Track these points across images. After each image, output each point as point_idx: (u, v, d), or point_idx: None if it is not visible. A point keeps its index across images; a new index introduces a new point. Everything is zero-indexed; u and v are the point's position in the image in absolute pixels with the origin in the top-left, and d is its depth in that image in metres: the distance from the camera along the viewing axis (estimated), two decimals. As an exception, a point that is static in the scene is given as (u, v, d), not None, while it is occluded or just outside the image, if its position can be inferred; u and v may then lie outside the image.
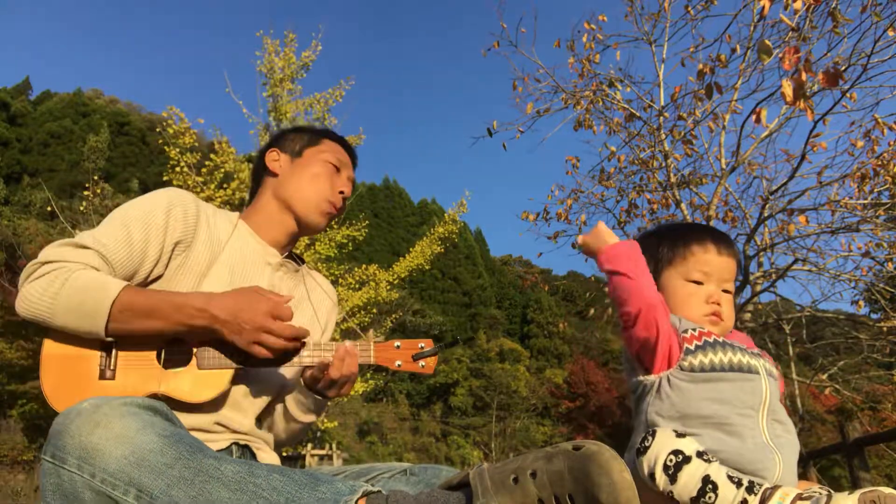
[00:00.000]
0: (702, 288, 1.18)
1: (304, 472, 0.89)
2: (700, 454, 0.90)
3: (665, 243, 1.23)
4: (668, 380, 1.06)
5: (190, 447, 0.90)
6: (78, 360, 1.21)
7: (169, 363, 1.24)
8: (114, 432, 0.88)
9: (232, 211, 1.55)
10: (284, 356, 1.27)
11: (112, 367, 1.21)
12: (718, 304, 1.16)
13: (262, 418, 1.46)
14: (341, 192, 1.54)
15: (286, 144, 1.58)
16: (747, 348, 1.14)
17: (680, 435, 0.94)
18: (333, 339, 1.43)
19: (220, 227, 1.43)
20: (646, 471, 0.92)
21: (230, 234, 1.43)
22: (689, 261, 1.19)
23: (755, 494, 0.85)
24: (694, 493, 0.88)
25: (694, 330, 1.11)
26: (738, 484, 0.88)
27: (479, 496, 0.80)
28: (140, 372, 1.22)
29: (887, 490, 0.87)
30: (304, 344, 1.29)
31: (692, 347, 1.07)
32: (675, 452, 0.90)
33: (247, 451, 1.32)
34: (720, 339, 1.10)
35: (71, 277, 1.17)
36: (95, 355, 1.22)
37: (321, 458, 16.10)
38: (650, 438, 0.93)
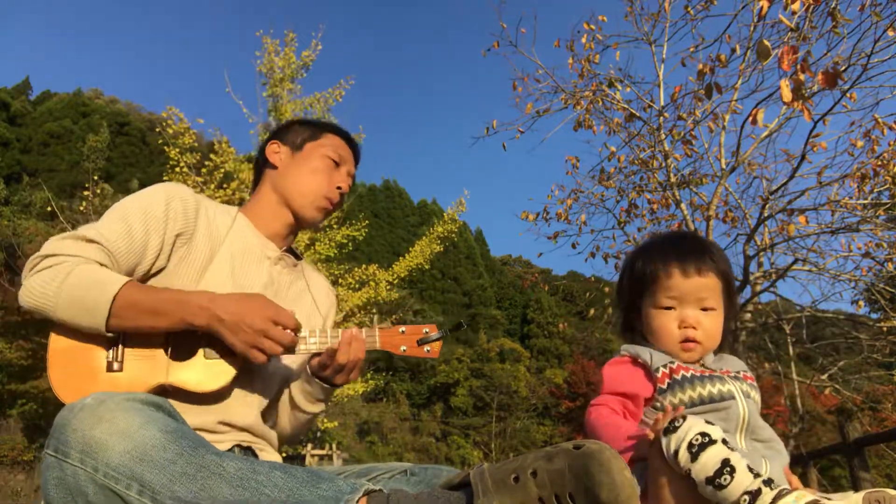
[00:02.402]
0: (673, 313, 1.17)
1: (306, 470, 0.89)
2: (725, 441, 0.92)
3: (635, 272, 1.23)
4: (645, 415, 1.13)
5: (192, 443, 0.90)
6: (85, 352, 1.21)
7: (176, 354, 1.25)
8: (117, 427, 0.89)
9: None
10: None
11: (119, 359, 1.22)
12: (693, 327, 1.15)
13: (267, 412, 1.45)
14: (339, 188, 1.53)
15: (288, 137, 1.57)
16: (723, 374, 1.14)
17: (709, 422, 0.96)
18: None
19: (220, 220, 1.43)
20: (672, 448, 0.94)
21: (229, 228, 1.43)
22: (657, 287, 1.18)
23: (771, 489, 0.86)
24: (711, 473, 0.89)
25: (665, 366, 1.12)
26: (757, 475, 0.90)
27: (480, 495, 0.81)
28: (147, 363, 1.23)
29: (893, 492, 0.88)
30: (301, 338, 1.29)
31: (664, 387, 1.10)
32: (703, 434, 0.92)
33: (249, 454, 1.32)
34: (688, 375, 1.10)
35: (74, 272, 1.17)
36: (102, 347, 1.22)
37: (321, 458, 16.10)
38: (681, 420, 0.96)
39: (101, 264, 1.23)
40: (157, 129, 10.16)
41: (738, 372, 1.18)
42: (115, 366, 1.21)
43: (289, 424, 1.49)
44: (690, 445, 0.92)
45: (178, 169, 9.31)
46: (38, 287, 1.17)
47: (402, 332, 1.36)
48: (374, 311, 11.24)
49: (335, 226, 10.71)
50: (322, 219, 1.54)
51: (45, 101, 50.76)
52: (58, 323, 1.20)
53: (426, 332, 1.35)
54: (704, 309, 1.17)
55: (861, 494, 0.89)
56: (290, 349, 1.25)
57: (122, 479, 0.87)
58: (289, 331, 1.22)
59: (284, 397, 1.48)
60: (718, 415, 1.08)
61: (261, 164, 1.58)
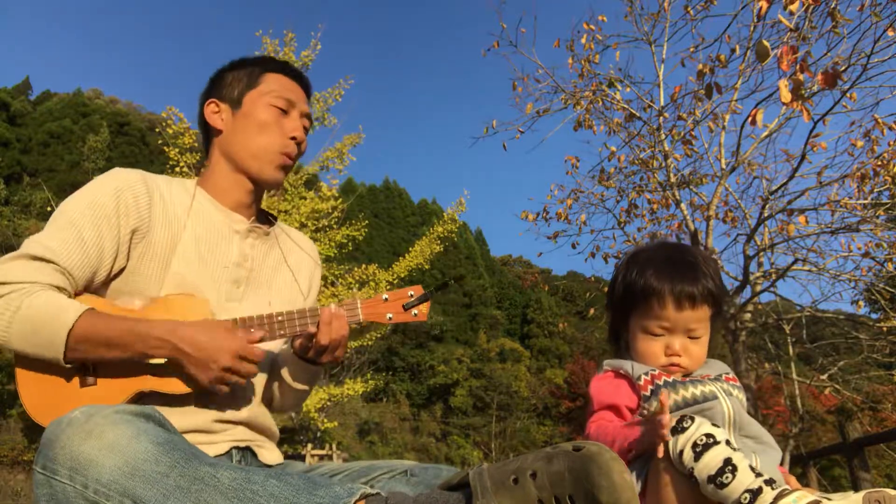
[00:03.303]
0: (661, 339, 1.17)
1: (302, 477, 0.88)
2: (729, 443, 0.93)
3: (628, 287, 1.22)
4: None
5: (185, 454, 0.88)
6: (55, 372, 1.15)
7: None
8: (106, 442, 0.86)
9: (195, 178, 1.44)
10: None
11: (93, 372, 1.17)
12: (679, 354, 1.16)
13: (265, 397, 1.42)
14: (293, 138, 1.39)
15: (224, 92, 1.41)
16: (703, 378, 1.15)
17: (715, 425, 0.98)
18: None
19: (177, 201, 1.32)
20: (678, 448, 0.95)
21: (189, 207, 1.33)
22: (648, 313, 1.18)
23: (773, 489, 0.86)
24: (713, 472, 0.90)
25: (646, 374, 1.13)
26: (759, 475, 0.90)
27: (479, 496, 0.80)
28: (122, 373, 1.17)
29: (893, 492, 0.88)
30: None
31: (647, 394, 1.11)
32: (708, 435, 0.94)
33: (248, 453, 1.30)
34: (670, 380, 1.12)
35: (24, 305, 1.10)
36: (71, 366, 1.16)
37: (321, 458, 16.09)
38: (689, 421, 0.97)
39: (57, 286, 1.16)
40: (157, 129, 10.16)
41: (719, 375, 1.18)
42: (90, 380, 1.16)
43: (288, 401, 1.46)
44: (695, 445, 0.93)
45: (177, 169, 9.30)
46: None
47: (386, 299, 1.30)
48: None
49: (335, 226, 10.71)
50: (283, 176, 1.42)
51: (45, 101, 50.78)
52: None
53: (411, 296, 1.29)
54: (692, 337, 1.17)
55: (861, 494, 0.89)
56: (250, 377, 1.20)
57: (114, 495, 0.84)
58: (252, 366, 1.18)
59: (276, 384, 1.44)
60: (703, 415, 1.09)
61: (205, 130, 1.44)
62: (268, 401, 1.45)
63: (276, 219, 1.54)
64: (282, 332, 1.26)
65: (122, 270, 1.25)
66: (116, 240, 1.22)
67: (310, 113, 1.47)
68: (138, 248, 1.25)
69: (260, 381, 1.38)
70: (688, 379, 1.13)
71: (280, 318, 1.26)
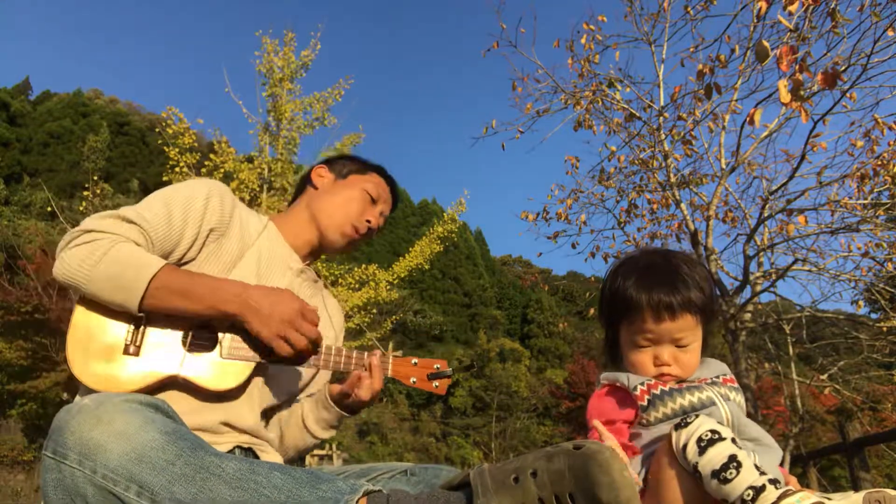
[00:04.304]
0: (649, 350, 1.16)
1: (306, 471, 0.89)
2: (734, 440, 0.93)
3: (610, 300, 1.21)
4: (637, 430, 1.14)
5: (191, 444, 0.90)
6: (106, 331, 1.23)
7: (194, 347, 1.26)
8: (115, 429, 0.89)
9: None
10: (302, 358, 1.29)
11: (137, 343, 1.23)
12: (668, 364, 1.15)
13: (271, 417, 1.46)
14: (368, 221, 1.57)
15: (336, 166, 1.65)
16: (700, 382, 1.14)
17: (720, 422, 0.98)
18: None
19: (252, 224, 1.48)
20: (682, 443, 0.95)
21: (259, 233, 1.47)
22: (633, 326, 1.17)
23: (777, 489, 0.87)
24: (717, 467, 0.90)
25: (642, 384, 1.13)
26: (763, 473, 0.90)
27: (480, 496, 0.81)
28: (164, 351, 1.24)
29: (893, 492, 0.88)
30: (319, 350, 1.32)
31: (644, 404, 1.11)
32: (713, 431, 0.94)
33: (250, 454, 1.32)
34: (666, 389, 1.11)
35: (113, 249, 1.19)
36: (122, 329, 1.24)
37: (321, 458, 16.10)
38: (694, 416, 0.98)
39: (138, 244, 1.25)
40: (157, 130, 10.16)
41: (716, 377, 1.17)
42: (132, 349, 1.22)
43: (293, 447, 1.49)
44: (700, 440, 0.93)
45: (177, 169, 9.30)
46: (76, 261, 1.18)
47: (415, 363, 1.41)
48: (374, 310, 11.23)
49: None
50: (344, 246, 1.58)
51: (45, 101, 50.75)
52: (87, 297, 1.21)
53: (437, 368, 1.41)
54: (680, 346, 1.16)
55: (861, 494, 0.89)
56: (313, 347, 1.27)
57: (121, 480, 0.87)
58: (314, 327, 1.25)
59: (296, 418, 1.48)
60: None
61: (304, 183, 1.65)
62: (275, 432, 1.48)
63: (320, 275, 1.70)
64: (314, 362, 1.33)
65: (188, 262, 1.36)
66: (196, 231, 1.34)
67: (388, 214, 1.70)
68: (210, 246, 1.37)
69: (273, 398, 1.41)
70: (684, 385, 1.12)
71: (319, 349, 1.34)
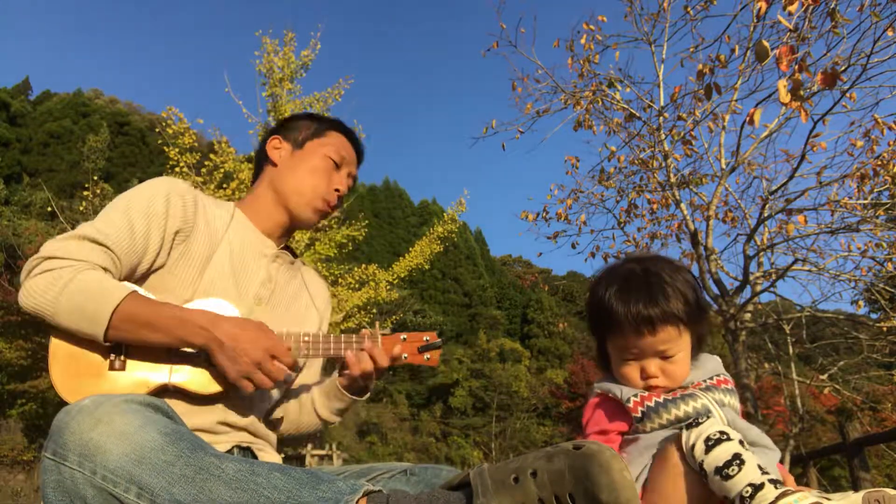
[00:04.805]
0: (635, 364, 1.15)
1: (306, 471, 0.89)
2: (742, 442, 0.95)
3: (594, 313, 1.20)
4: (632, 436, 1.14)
5: (191, 445, 0.90)
6: (88, 350, 1.20)
7: (180, 355, 1.24)
8: (115, 429, 0.88)
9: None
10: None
11: (122, 358, 1.21)
12: (655, 376, 1.14)
13: (268, 413, 1.46)
14: (336, 191, 1.51)
15: (290, 133, 1.55)
16: (694, 388, 1.13)
17: (730, 424, 1.00)
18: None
19: (218, 215, 1.43)
20: (691, 441, 0.96)
21: (228, 224, 1.42)
22: (618, 341, 1.16)
23: (776, 488, 0.87)
24: (720, 464, 0.91)
25: (635, 395, 1.12)
26: (765, 473, 0.91)
27: (480, 496, 0.81)
28: (150, 363, 1.22)
29: (892, 491, 0.88)
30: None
31: (638, 416, 1.11)
32: (722, 432, 0.95)
33: (248, 454, 1.32)
34: (660, 400, 1.11)
35: (75, 279, 1.15)
36: (104, 346, 1.21)
37: (321, 458, 16.10)
38: (705, 418, 0.99)
39: (104, 268, 1.21)
40: (157, 129, 10.17)
41: (709, 378, 1.16)
42: (118, 364, 1.20)
43: (299, 426, 1.52)
44: (708, 439, 0.94)
45: (177, 169, 9.31)
46: (39, 291, 1.15)
47: (404, 339, 1.38)
48: (374, 310, 11.24)
49: (335, 226, 10.71)
50: (317, 220, 1.53)
51: (45, 101, 50.77)
52: (56, 327, 1.19)
53: (426, 340, 1.38)
54: (666, 357, 1.14)
55: (860, 494, 0.89)
56: (279, 385, 1.23)
57: (121, 481, 0.86)
58: (282, 366, 1.20)
59: (307, 409, 1.50)
60: None
61: (261, 160, 1.56)
62: (273, 424, 1.49)
63: (297, 254, 1.65)
64: (306, 352, 1.32)
65: (159, 268, 1.32)
66: (161, 236, 1.30)
67: (357, 176, 1.61)
68: (178, 249, 1.32)
69: (269, 395, 1.41)
70: (678, 394, 1.11)
71: (306, 338, 1.32)
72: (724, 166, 5.95)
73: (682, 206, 6.09)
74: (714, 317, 6.21)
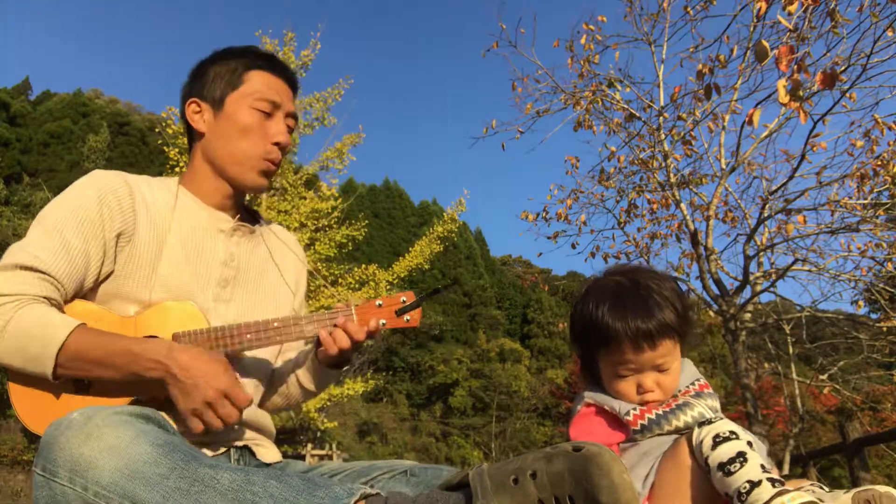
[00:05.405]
0: (631, 378, 1.15)
1: (301, 477, 0.88)
2: (750, 443, 0.96)
3: (587, 328, 1.18)
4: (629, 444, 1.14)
5: (185, 456, 0.88)
6: (47, 385, 1.13)
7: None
8: (106, 443, 0.86)
9: (176, 177, 1.41)
10: None
11: (86, 382, 1.15)
12: (652, 390, 1.15)
13: (264, 399, 1.44)
14: (277, 144, 1.34)
15: (205, 91, 1.35)
16: (684, 395, 1.14)
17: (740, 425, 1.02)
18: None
19: (160, 200, 1.30)
20: (700, 437, 0.98)
21: (173, 208, 1.31)
22: (613, 357, 1.16)
23: (774, 487, 0.88)
24: (724, 460, 0.93)
25: (635, 409, 1.13)
26: (766, 471, 0.92)
27: (479, 497, 0.80)
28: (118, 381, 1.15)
29: (883, 488, 0.89)
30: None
31: (637, 428, 1.11)
32: (732, 431, 0.96)
33: (246, 452, 1.30)
34: (660, 412, 1.11)
35: (13, 319, 1.08)
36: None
37: (321, 458, 16.10)
38: (718, 417, 1.01)
39: (47, 297, 1.13)
40: (157, 129, 10.17)
41: (691, 383, 1.17)
42: (85, 385, 1.14)
43: (288, 400, 1.50)
44: (716, 436, 0.95)
45: (177, 169, 9.30)
46: None
47: (379, 304, 1.30)
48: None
49: (335, 225, 10.72)
50: (266, 182, 1.38)
51: (45, 101, 50.80)
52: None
53: (403, 301, 1.30)
54: (662, 370, 1.15)
55: (850, 494, 0.90)
56: (228, 425, 1.14)
57: (114, 497, 0.84)
58: (235, 411, 1.12)
59: (294, 386, 1.47)
60: None
61: (188, 129, 1.38)
62: (273, 397, 1.48)
63: (260, 216, 1.53)
64: (278, 339, 1.26)
65: (109, 274, 1.23)
66: (102, 245, 1.20)
67: (295, 112, 1.41)
68: (125, 252, 1.22)
69: (255, 382, 1.39)
70: (673, 404, 1.12)
71: (276, 324, 1.25)
72: (723, 166, 5.95)
73: (682, 206, 6.09)
74: (714, 317, 6.20)
